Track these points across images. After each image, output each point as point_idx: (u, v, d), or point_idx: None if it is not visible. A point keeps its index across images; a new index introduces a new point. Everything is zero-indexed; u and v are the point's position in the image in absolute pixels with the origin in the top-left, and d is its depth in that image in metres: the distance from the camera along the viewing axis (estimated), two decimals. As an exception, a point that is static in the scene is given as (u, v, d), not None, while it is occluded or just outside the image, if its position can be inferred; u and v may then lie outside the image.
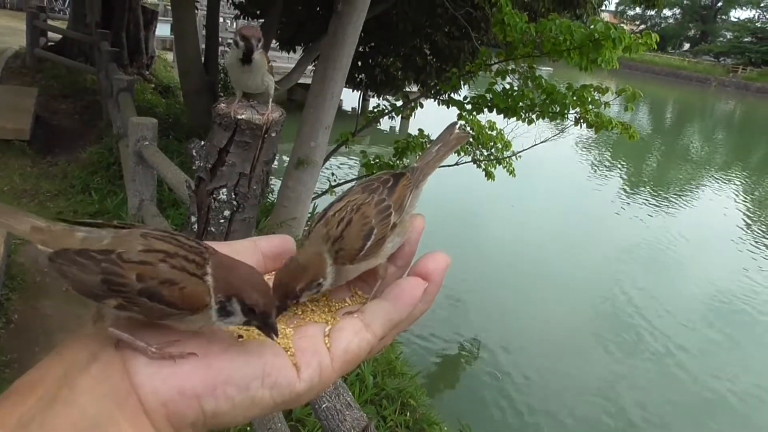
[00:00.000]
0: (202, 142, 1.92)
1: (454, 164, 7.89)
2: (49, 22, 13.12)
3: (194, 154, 1.87)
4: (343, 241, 0.54)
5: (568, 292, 8.90)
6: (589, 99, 6.39)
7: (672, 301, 9.06)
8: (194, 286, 0.47)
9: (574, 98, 6.47)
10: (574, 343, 7.61)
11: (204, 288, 0.47)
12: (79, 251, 0.48)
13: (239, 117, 1.84)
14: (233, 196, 2.01)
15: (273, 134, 1.91)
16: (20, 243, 4.35)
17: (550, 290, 8.85)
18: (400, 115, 8.19)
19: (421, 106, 8.08)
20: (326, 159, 7.29)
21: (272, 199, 7.00)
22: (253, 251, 0.56)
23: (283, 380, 0.47)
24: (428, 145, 0.64)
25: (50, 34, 12.24)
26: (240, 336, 0.50)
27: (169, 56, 15.24)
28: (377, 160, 7.78)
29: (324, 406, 2.15)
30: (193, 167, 1.92)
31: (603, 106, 6.57)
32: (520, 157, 7.88)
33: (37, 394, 0.44)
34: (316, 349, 0.49)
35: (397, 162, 7.67)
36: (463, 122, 7.34)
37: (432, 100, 8.03)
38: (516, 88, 7.06)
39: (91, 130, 8.11)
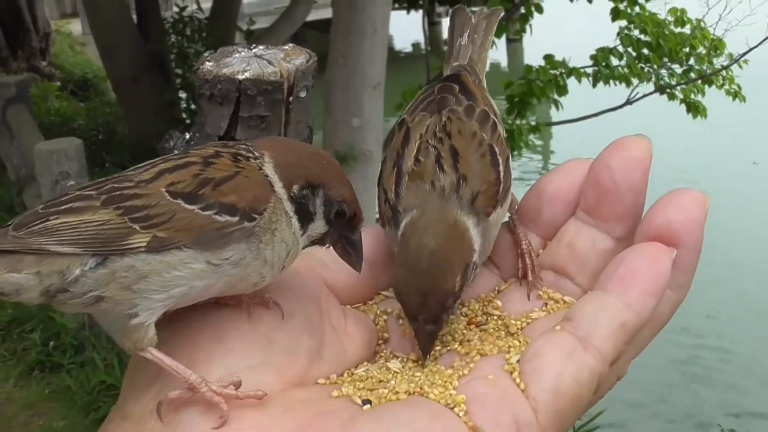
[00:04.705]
0: (187, 135, 1.33)
1: (625, 103, 4.57)
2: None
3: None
4: (469, 182, 0.38)
5: None
6: None
7: None
8: (250, 174, 0.38)
9: None
10: None
11: (262, 177, 0.39)
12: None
13: (241, 77, 1.27)
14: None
15: (302, 94, 1.31)
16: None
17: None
18: (503, 36, 4.85)
19: (539, 10, 4.61)
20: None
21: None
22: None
23: None
24: (448, 45, 0.49)
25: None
26: (366, 401, 0.36)
27: (76, 27, 11.10)
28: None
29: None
30: None
31: None
32: (746, 62, 4.32)
33: None
34: (504, 396, 0.35)
35: (516, 122, 4.37)
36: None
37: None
38: None
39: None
